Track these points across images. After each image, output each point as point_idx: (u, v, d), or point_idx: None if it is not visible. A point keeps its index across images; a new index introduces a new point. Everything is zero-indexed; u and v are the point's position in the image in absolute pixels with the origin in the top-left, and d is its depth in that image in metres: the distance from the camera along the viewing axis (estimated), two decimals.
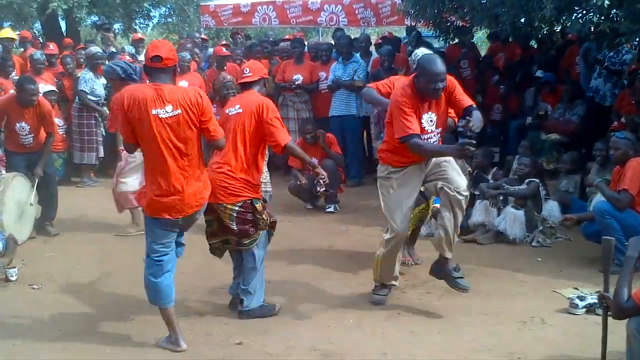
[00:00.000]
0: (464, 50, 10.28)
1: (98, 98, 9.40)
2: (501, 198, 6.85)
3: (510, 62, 10.46)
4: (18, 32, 11.13)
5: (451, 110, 5.02)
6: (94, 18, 15.11)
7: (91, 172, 9.72)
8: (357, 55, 9.57)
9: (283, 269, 5.82)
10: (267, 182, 6.34)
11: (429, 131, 4.74)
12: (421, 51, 5.57)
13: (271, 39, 12.22)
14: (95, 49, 9.95)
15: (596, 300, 4.65)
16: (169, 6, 18.11)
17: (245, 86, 4.88)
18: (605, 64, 8.68)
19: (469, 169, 6.67)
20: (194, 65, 10.19)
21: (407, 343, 4.45)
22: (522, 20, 7.50)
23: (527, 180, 6.82)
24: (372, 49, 10.85)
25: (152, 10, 17.44)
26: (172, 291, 4.35)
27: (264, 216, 4.73)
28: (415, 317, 4.86)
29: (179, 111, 4.06)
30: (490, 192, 6.76)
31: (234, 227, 4.63)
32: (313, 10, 11.70)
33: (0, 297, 5.39)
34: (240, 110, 4.66)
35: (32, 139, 6.90)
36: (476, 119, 4.60)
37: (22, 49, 10.51)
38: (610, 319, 3.72)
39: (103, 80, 9.58)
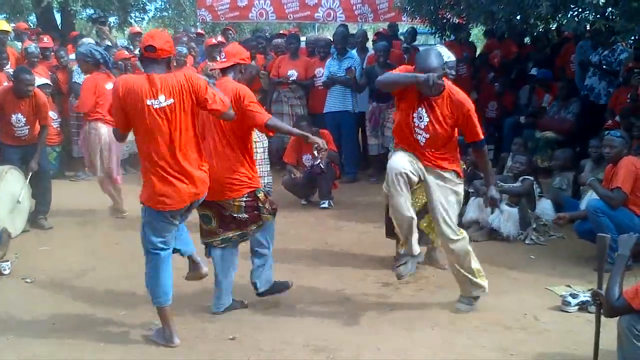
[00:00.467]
0: (465, 54, 10.27)
1: None
2: None
3: (505, 60, 10.47)
4: (13, 25, 11.06)
5: None
6: (89, 11, 15.01)
7: (85, 166, 9.70)
8: (352, 51, 9.58)
9: (276, 264, 5.79)
10: (267, 173, 6.38)
11: (416, 125, 4.55)
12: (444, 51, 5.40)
13: (267, 35, 12.19)
14: (87, 40, 9.92)
15: (589, 298, 4.68)
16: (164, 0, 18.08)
17: (222, 72, 4.78)
18: (603, 65, 8.67)
19: (464, 165, 6.67)
20: (191, 59, 10.18)
21: (401, 339, 4.45)
22: (518, 17, 7.50)
23: (521, 178, 6.84)
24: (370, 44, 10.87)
25: (148, 3, 17.37)
26: (170, 289, 4.35)
27: (266, 205, 4.73)
28: (409, 313, 4.86)
29: (172, 100, 4.02)
30: (484, 189, 6.77)
31: (245, 216, 4.65)
32: (310, 6, 11.70)
33: None
34: None
35: (27, 131, 6.88)
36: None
37: (19, 42, 10.46)
38: (602, 317, 3.74)
39: None
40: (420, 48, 11.08)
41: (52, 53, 10.21)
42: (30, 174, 6.83)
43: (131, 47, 11.00)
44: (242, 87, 4.58)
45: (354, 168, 9.39)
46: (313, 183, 8.00)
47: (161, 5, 18.59)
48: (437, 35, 10.66)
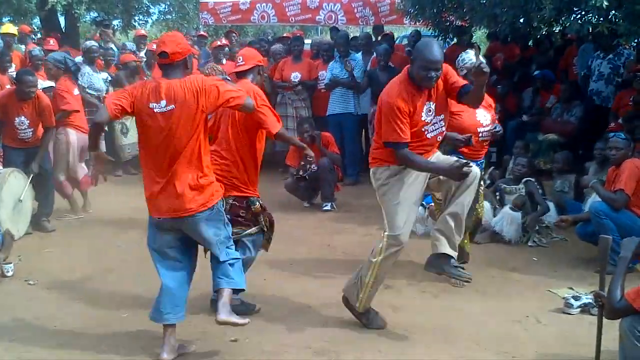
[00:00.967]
0: None
1: (98, 92, 9.39)
2: (497, 198, 6.88)
3: (508, 63, 10.47)
4: (17, 28, 11.10)
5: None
6: (93, 14, 15.09)
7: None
8: (357, 54, 9.58)
9: (279, 267, 5.83)
10: None
11: (429, 121, 4.37)
12: (468, 56, 5.36)
13: (269, 38, 12.21)
14: (90, 42, 9.95)
15: (591, 300, 4.68)
16: (168, 3, 18.11)
17: (240, 75, 4.85)
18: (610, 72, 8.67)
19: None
20: (195, 62, 10.19)
21: (402, 341, 4.46)
22: (521, 20, 7.50)
23: (523, 180, 6.83)
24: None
25: (152, 6, 17.43)
26: (168, 309, 4.20)
27: (259, 218, 4.76)
28: (411, 316, 4.86)
29: (172, 107, 3.95)
30: (486, 192, 6.77)
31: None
32: (312, 9, 11.69)
33: None
34: None
35: (30, 133, 6.89)
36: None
37: (22, 45, 10.49)
38: (604, 319, 3.74)
39: (103, 75, 9.61)
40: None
41: None
42: (32, 176, 6.84)
43: (137, 51, 11.03)
44: (257, 89, 4.72)
45: (356, 170, 9.39)
46: (315, 185, 8.00)
47: (165, 8, 18.66)
48: (440, 38, 10.65)
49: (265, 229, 4.84)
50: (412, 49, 10.69)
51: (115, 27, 15.50)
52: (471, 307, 4.98)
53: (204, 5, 12.72)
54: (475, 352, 4.32)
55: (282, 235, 5.40)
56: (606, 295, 3.55)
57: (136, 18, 16.74)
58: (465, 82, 4.47)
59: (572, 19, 6.94)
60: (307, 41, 11.53)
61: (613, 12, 6.46)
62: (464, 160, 4.31)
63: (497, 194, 6.96)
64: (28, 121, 6.81)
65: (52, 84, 8.89)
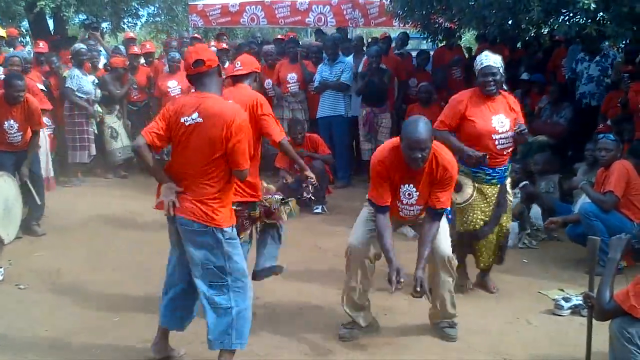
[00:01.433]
0: (457, 57, 10.31)
1: (87, 95, 9.39)
2: None
3: None
4: (5, 30, 11.04)
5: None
6: (82, 17, 15.02)
7: (78, 171, 9.69)
8: (348, 57, 9.59)
9: None
10: None
11: (406, 203, 4.34)
12: (485, 55, 5.20)
13: (259, 40, 12.21)
14: (79, 45, 9.92)
15: (581, 302, 4.69)
16: (157, 5, 18.06)
17: (236, 79, 4.85)
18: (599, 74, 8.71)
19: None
20: (182, 64, 10.18)
21: (396, 343, 4.47)
22: (510, 22, 7.54)
23: (520, 185, 6.85)
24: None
25: (140, 9, 17.38)
26: (171, 317, 4.12)
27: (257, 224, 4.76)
28: (404, 318, 4.88)
29: (200, 120, 3.73)
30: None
31: None
32: (301, 11, 11.70)
33: None
34: None
35: (20, 137, 6.85)
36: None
37: (10, 48, 10.43)
38: (594, 320, 3.76)
39: (91, 77, 9.59)
40: (413, 53, 11.17)
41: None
42: (26, 180, 6.82)
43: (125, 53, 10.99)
44: (260, 96, 4.71)
45: (347, 173, 9.39)
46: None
47: (154, 10, 18.61)
48: (429, 40, 10.69)
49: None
50: (400, 51, 10.81)
51: (104, 29, 15.45)
52: (462, 309, 4.98)
53: (193, 8, 12.72)
54: (467, 353, 4.34)
55: None
56: (595, 296, 3.57)
57: (125, 20, 16.70)
58: (442, 206, 4.25)
59: (560, 20, 6.99)
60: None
61: (601, 13, 6.50)
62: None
63: None
64: (17, 125, 6.78)
65: (42, 86, 8.90)
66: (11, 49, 10.26)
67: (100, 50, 11.22)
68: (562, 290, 5.31)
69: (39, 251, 6.55)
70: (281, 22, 12.20)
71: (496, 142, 4.93)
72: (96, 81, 9.65)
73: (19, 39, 11.43)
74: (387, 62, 9.44)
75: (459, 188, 4.98)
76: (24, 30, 15.57)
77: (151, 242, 6.27)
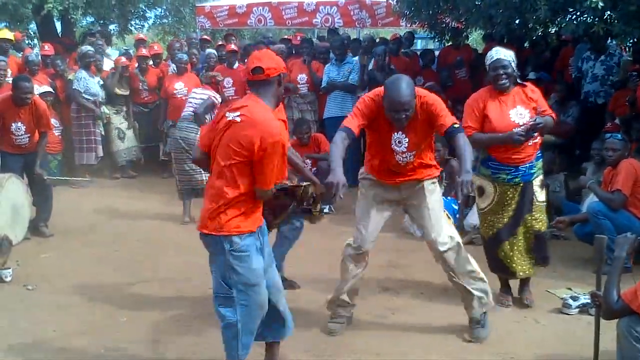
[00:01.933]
0: (458, 58, 10.28)
1: (94, 97, 9.43)
2: None
3: None
4: (13, 34, 11.08)
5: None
6: (90, 19, 15.07)
7: (86, 172, 9.72)
8: (351, 57, 9.58)
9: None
10: None
11: (399, 150, 4.35)
12: (495, 50, 4.96)
13: (270, 40, 12.20)
14: (86, 47, 9.95)
15: (589, 301, 4.67)
16: (164, 7, 18.08)
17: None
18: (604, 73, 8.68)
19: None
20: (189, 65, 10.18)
21: (400, 343, 4.46)
22: (517, 21, 7.53)
23: None
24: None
25: (148, 11, 17.40)
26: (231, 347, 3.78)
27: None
28: (409, 317, 4.88)
29: (239, 120, 3.55)
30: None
31: None
32: (308, 12, 11.70)
33: None
34: None
35: (27, 139, 6.89)
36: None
37: (20, 53, 10.48)
38: (602, 319, 3.74)
39: (98, 79, 9.62)
40: (418, 52, 11.15)
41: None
42: (44, 178, 6.90)
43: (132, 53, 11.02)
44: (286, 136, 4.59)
45: (354, 174, 9.35)
46: None
47: (161, 12, 18.62)
48: (436, 40, 10.67)
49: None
50: (407, 50, 10.79)
51: (112, 31, 15.48)
52: None
53: (200, 9, 12.74)
54: (474, 352, 4.32)
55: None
56: (603, 295, 3.56)
57: (132, 22, 16.72)
58: (451, 122, 4.19)
59: (567, 19, 6.96)
60: None
61: (608, 12, 6.48)
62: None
63: None
64: (25, 127, 6.81)
65: (49, 88, 8.94)
66: (19, 53, 10.33)
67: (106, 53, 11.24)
68: (570, 289, 5.30)
69: (46, 252, 6.57)
70: (288, 23, 12.20)
71: None
72: (102, 83, 9.69)
73: (27, 42, 11.45)
74: (397, 63, 9.44)
75: (481, 192, 4.95)
76: (31, 33, 15.61)
77: (158, 242, 6.28)
